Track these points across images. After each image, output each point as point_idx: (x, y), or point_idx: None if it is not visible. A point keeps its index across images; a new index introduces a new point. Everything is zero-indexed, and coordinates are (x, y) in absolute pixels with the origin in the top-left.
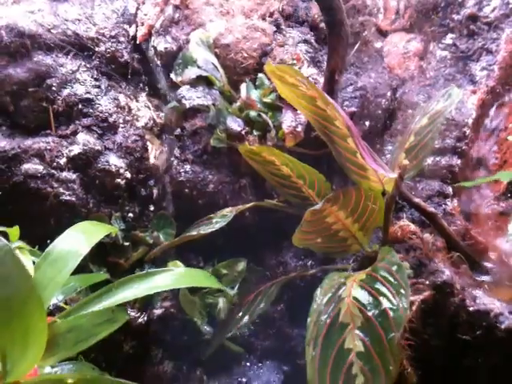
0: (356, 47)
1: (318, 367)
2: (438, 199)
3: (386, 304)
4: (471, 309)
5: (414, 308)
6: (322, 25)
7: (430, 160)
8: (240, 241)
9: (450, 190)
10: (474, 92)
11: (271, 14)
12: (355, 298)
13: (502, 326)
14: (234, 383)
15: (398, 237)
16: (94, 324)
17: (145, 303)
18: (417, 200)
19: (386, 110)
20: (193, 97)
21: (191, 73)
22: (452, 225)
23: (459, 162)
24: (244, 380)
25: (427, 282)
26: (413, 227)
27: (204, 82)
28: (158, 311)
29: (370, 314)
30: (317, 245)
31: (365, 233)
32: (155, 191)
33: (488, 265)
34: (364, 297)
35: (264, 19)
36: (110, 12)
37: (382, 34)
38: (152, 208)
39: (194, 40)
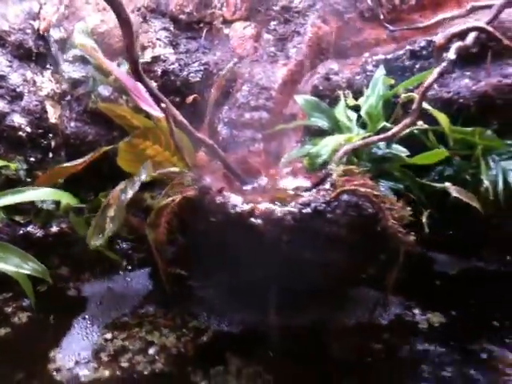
0: (204, 33)
1: (94, 230)
2: (248, 143)
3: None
4: (218, 202)
5: (176, 201)
6: (180, 16)
7: (248, 115)
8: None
9: (259, 136)
10: (285, 65)
11: (138, 9)
12: (119, 189)
13: (232, 211)
14: (119, 282)
15: (198, 163)
16: None
17: (43, 222)
18: (197, 135)
19: (228, 80)
20: (70, 71)
21: (72, 54)
22: (234, 154)
23: (268, 116)
24: (128, 279)
25: (195, 187)
26: (203, 156)
27: (81, 60)
28: (54, 229)
29: (121, 198)
30: None
31: (185, 164)
32: (53, 143)
33: (254, 181)
34: (122, 188)
35: (133, 12)
36: (19, 11)
37: (229, 22)
38: (51, 155)
39: (77, 30)
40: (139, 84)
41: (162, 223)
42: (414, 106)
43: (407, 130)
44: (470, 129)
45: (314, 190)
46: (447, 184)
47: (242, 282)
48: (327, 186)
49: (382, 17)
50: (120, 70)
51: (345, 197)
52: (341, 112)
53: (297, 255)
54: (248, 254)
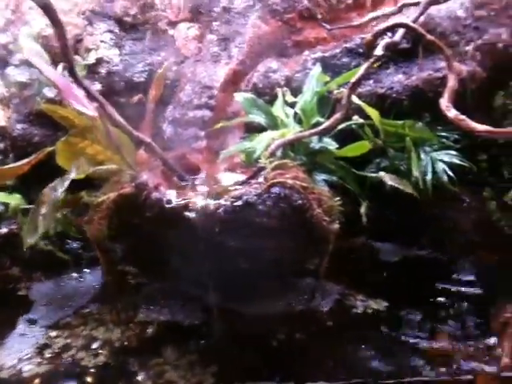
0: (149, 34)
1: (29, 228)
2: (191, 140)
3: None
4: (153, 197)
5: (111, 198)
6: (125, 19)
7: (191, 113)
8: None
9: (201, 134)
10: (227, 64)
11: (84, 13)
12: (50, 187)
13: (167, 206)
14: (69, 282)
15: (140, 160)
16: None
17: None
18: (135, 133)
19: (172, 79)
20: (15, 74)
21: (18, 57)
22: (174, 151)
23: (210, 114)
24: (78, 278)
25: (132, 184)
26: (144, 154)
27: (26, 63)
28: (3, 230)
29: (52, 196)
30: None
31: (126, 163)
32: (2, 145)
33: (192, 177)
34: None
35: (78, 16)
36: None
37: (173, 23)
38: (0, 157)
39: (22, 34)
40: (73, 84)
41: (96, 220)
42: (343, 102)
43: (343, 125)
44: (400, 122)
45: (247, 184)
46: (381, 173)
47: (183, 274)
48: (260, 179)
49: (319, 16)
50: (52, 71)
51: (275, 189)
52: (278, 108)
53: (231, 246)
54: (185, 246)
